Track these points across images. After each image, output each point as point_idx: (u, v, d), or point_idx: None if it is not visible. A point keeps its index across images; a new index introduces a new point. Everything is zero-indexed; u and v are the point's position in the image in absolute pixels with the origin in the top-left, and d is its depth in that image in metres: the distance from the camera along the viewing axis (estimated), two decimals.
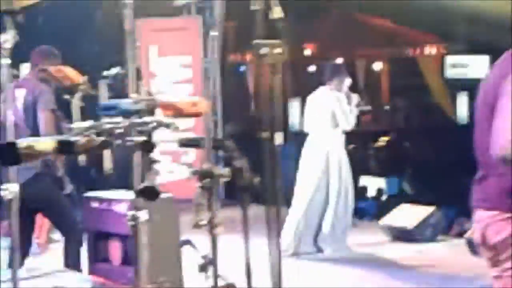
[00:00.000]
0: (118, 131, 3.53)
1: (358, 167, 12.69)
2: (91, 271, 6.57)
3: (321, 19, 15.95)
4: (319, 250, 8.72)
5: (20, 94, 6.48)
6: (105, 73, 9.21)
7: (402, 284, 7.50)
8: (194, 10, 12.91)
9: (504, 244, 3.70)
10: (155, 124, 3.55)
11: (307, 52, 17.34)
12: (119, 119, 3.62)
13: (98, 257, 6.61)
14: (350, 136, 11.86)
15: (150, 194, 3.68)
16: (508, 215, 3.66)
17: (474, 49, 13.35)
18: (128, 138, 3.60)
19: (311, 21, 16.03)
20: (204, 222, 3.58)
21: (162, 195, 6.37)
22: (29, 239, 6.74)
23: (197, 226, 3.61)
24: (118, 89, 9.66)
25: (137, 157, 3.66)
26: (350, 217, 8.89)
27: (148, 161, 3.60)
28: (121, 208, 6.17)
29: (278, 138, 3.58)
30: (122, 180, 5.05)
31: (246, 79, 17.12)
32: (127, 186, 4.08)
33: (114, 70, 9.93)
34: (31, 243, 6.85)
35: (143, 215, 5.83)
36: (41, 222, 8.04)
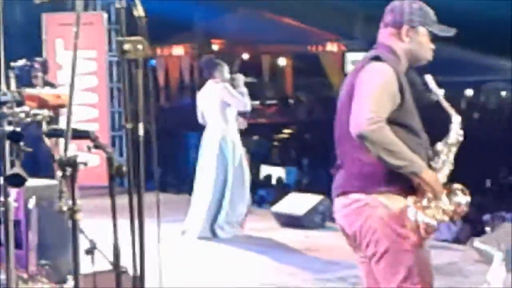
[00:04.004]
0: None
1: (261, 157, 13.15)
2: None
3: (228, 16, 16.29)
4: (215, 235, 9.02)
5: None
6: (12, 64, 9.44)
7: (288, 267, 7.80)
8: (99, 6, 13.30)
9: (361, 232, 3.92)
10: (23, 114, 3.80)
11: (215, 47, 17.66)
12: None
13: None
14: (254, 128, 12.24)
15: (16, 181, 3.85)
16: (357, 205, 3.89)
17: (372, 47, 13.83)
18: None
19: (219, 18, 16.39)
20: (65, 208, 3.69)
21: (50, 182, 6.71)
22: None
23: (60, 212, 3.71)
24: (25, 80, 9.87)
25: (6, 146, 3.87)
26: (246, 204, 9.24)
27: (17, 150, 3.83)
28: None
29: (140, 130, 3.89)
30: None
31: (156, 72, 17.39)
32: None
33: (20, 62, 10.15)
34: None
35: (30, 202, 6.14)
36: None
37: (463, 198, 3.96)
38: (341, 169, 4.02)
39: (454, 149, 4.06)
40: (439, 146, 4.04)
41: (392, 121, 3.80)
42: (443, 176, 3.97)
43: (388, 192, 3.86)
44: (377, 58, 3.90)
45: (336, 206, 4.05)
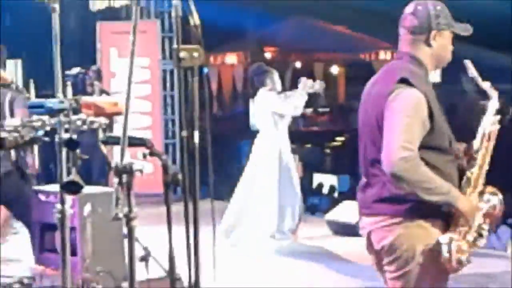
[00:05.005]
0: (45, 128, 3.80)
1: (314, 165, 13.12)
2: (38, 261, 6.82)
3: (281, 24, 16.33)
4: (264, 241, 8.98)
5: None
6: (67, 72, 9.57)
7: (339, 275, 7.77)
8: (152, 14, 13.41)
9: (386, 250, 3.86)
10: (80, 122, 3.84)
11: (267, 55, 17.70)
12: (46, 117, 3.89)
13: (45, 248, 6.82)
14: (307, 135, 12.22)
15: (73, 188, 3.87)
16: (389, 222, 3.82)
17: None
18: (55, 136, 3.83)
19: (272, 26, 16.42)
20: (121, 215, 3.70)
21: (105, 189, 6.78)
22: None
23: (115, 219, 3.73)
24: (80, 88, 10.01)
25: (63, 153, 3.92)
26: (297, 212, 9.19)
27: (73, 157, 3.87)
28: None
29: (195, 138, 3.89)
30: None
31: (209, 80, 17.46)
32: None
33: (74, 70, 10.28)
34: None
35: (86, 209, 6.20)
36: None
37: (495, 199, 3.92)
38: (369, 188, 3.93)
39: (491, 145, 3.98)
40: (476, 143, 3.98)
41: (422, 146, 3.72)
42: (481, 181, 3.92)
43: (421, 218, 3.79)
44: (405, 81, 3.76)
45: (364, 223, 3.99)
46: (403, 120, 3.68)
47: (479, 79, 4.03)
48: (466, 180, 3.91)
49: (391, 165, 3.64)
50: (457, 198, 3.75)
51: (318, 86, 9.16)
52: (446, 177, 3.78)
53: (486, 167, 3.97)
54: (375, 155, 3.76)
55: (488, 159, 3.97)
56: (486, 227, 3.90)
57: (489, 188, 3.95)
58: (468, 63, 4.01)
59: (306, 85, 8.99)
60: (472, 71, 4.02)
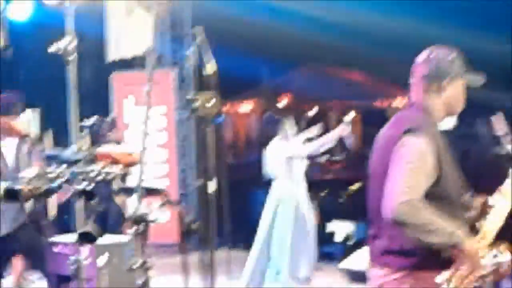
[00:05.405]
0: (61, 179, 3.80)
1: (329, 213, 13.03)
2: None
3: (295, 72, 16.39)
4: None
5: None
6: (82, 123, 9.63)
7: None
8: (167, 62, 13.44)
9: None
10: (95, 173, 3.83)
11: (282, 104, 17.76)
12: (62, 168, 3.90)
13: None
14: (322, 184, 12.16)
15: (88, 238, 3.88)
16: (399, 274, 3.77)
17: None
18: (71, 187, 3.84)
19: (286, 74, 16.47)
20: (137, 265, 3.73)
21: (120, 239, 6.76)
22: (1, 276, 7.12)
23: (130, 269, 3.79)
24: (95, 137, 10.05)
25: (79, 203, 3.92)
26: (312, 260, 9.15)
27: (90, 207, 3.87)
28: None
29: (211, 186, 3.87)
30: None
31: (223, 129, 17.47)
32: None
33: (91, 120, 10.34)
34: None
35: (101, 259, 6.18)
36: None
37: (504, 257, 3.82)
38: (377, 240, 3.89)
39: (509, 205, 3.93)
40: (492, 200, 3.94)
41: (429, 195, 3.66)
42: (491, 233, 3.85)
43: (431, 270, 3.73)
44: (412, 130, 3.72)
45: (373, 274, 3.93)
46: (406, 167, 3.64)
47: (507, 136, 4.00)
48: (475, 230, 3.85)
49: (392, 210, 3.59)
50: (463, 238, 3.66)
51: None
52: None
53: (499, 223, 3.90)
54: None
55: (503, 217, 3.91)
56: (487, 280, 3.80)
57: (502, 245, 3.86)
58: (497, 118, 4.00)
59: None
60: (499, 127, 4.00)
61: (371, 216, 3.93)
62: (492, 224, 3.89)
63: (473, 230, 3.85)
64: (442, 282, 3.71)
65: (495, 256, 3.82)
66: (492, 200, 3.95)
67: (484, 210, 3.93)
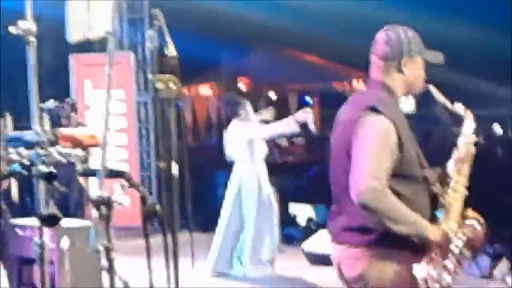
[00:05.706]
0: (22, 161, 3.78)
1: (290, 196, 13.08)
2: None
3: (254, 55, 16.39)
4: (231, 268, 9.00)
5: None
6: (41, 105, 9.55)
7: None
8: (125, 46, 13.41)
9: (356, 280, 3.83)
10: (57, 155, 3.81)
11: (241, 86, 17.77)
12: (24, 150, 3.87)
13: (23, 283, 6.78)
14: (283, 166, 12.17)
15: (51, 221, 3.85)
16: (358, 251, 3.78)
17: None
18: (32, 168, 3.81)
19: (245, 57, 16.47)
20: (100, 247, 3.67)
21: (82, 222, 6.74)
22: None
23: (94, 252, 3.68)
24: (55, 120, 9.97)
25: (41, 185, 3.89)
26: (275, 243, 9.19)
27: (51, 190, 3.84)
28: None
29: (174, 169, 3.85)
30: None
31: (183, 112, 17.46)
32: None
33: (50, 103, 10.24)
34: None
35: (65, 242, 6.16)
36: None
37: (476, 223, 3.86)
38: (339, 216, 3.89)
39: (466, 167, 3.97)
40: (450, 166, 3.96)
41: (392, 175, 3.68)
42: (457, 205, 3.87)
43: (389, 247, 3.74)
44: (372, 108, 3.73)
45: (334, 251, 3.95)
46: (370, 148, 3.65)
47: (447, 103, 4.03)
48: (440, 207, 3.87)
49: (360, 194, 3.60)
50: (425, 228, 3.70)
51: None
52: (416, 206, 3.73)
53: (462, 190, 3.92)
54: (346, 183, 3.69)
55: (464, 182, 3.94)
56: (467, 253, 3.83)
57: (470, 213, 3.89)
58: (432, 88, 4.01)
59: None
60: (437, 96, 4.02)
61: (333, 193, 3.92)
62: (454, 192, 3.91)
63: (439, 205, 3.87)
64: (423, 273, 3.72)
65: (470, 225, 3.85)
66: (450, 167, 3.97)
67: (444, 181, 3.94)
